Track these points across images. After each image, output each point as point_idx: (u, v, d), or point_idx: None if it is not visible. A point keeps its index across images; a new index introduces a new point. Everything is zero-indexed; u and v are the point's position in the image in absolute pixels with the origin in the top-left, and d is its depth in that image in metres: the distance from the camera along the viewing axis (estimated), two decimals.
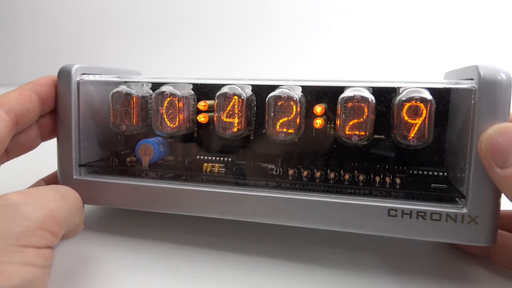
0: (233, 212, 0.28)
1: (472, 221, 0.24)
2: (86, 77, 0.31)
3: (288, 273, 0.27)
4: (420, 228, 0.25)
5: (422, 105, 0.26)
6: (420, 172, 0.29)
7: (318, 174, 0.29)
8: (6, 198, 0.20)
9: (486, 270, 0.27)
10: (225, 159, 0.31)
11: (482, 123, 0.23)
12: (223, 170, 0.31)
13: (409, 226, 0.25)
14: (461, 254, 0.29)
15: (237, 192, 0.28)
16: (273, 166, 0.31)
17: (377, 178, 0.28)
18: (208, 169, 0.31)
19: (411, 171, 0.29)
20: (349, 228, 0.26)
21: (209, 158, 0.31)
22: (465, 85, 0.24)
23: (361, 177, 0.28)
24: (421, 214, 0.24)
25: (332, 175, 0.29)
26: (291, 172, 0.30)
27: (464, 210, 0.24)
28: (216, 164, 0.31)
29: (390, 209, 0.25)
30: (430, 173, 0.28)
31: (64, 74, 0.30)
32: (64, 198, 0.23)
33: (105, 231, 0.32)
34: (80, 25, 0.96)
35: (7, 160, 0.30)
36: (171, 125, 0.31)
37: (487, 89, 0.23)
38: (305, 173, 0.29)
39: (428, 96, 0.26)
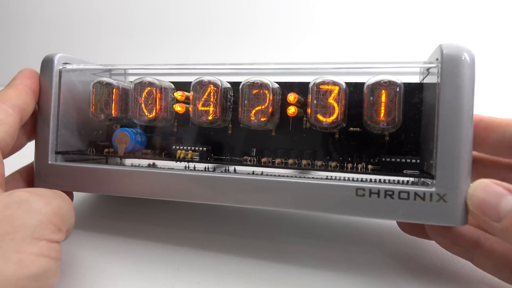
0: (203, 196, 0.28)
1: (440, 199, 0.23)
2: (69, 66, 0.32)
3: (289, 272, 0.27)
4: (389, 208, 0.24)
5: (389, 88, 0.26)
6: (393, 160, 0.28)
7: (291, 161, 0.29)
8: (17, 194, 0.22)
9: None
10: (202, 148, 0.31)
11: (446, 101, 0.23)
12: (197, 158, 0.31)
13: (378, 206, 0.24)
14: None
15: (208, 175, 0.28)
16: (247, 157, 0.31)
17: (349, 165, 0.28)
18: (182, 156, 0.31)
19: (384, 159, 0.29)
20: (317, 209, 0.25)
21: (186, 148, 0.31)
22: (428, 64, 0.24)
23: (333, 164, 0.28)
24: (389, 193, 0.24)
25: (304, 162, 0.29)
26: (264, 160, 0.30)
27: (433, 189, 0.23)
28: (190, 151, 0.30)
29: (358, 189, 0.24)
30: (404, 160, 0.28)
31: (47, 63, 0.31)
32: (62, 198, 0.24)
33: (105, 231, 0.32)
34: (78, 24, 0.97)
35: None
36: (148, 114, 0.31)
37: (450, 67, 0.23)
38: (278, 160, 0.29)
39: (393, 79, 0.26)
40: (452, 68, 0.23)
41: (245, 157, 0.32)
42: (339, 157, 0.29)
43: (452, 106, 0.23)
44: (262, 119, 0.29)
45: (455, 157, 0.23)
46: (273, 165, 0.29)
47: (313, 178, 0.27)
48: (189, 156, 0.30)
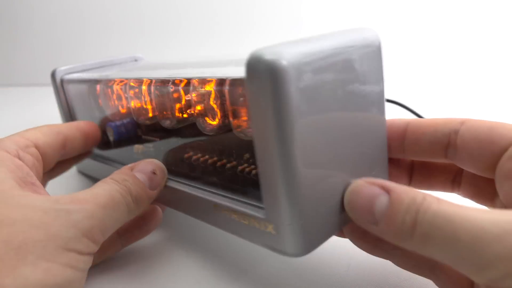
0: None
1: (271, 229, 0.20)
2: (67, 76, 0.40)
3: (288, 273, 0.27)
4: (238, 228, 0.23)
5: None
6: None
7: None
8: (59, 201, 0.21)
9: None
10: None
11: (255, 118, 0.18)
12: (148, 150, 0.34)
13: (230, 224, 0.23)
14: None
15: None
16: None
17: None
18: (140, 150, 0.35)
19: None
20: (196, 216, 0.26)
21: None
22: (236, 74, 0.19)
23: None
24: (235, 214, 0.23)
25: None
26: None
27: (262, 216, 0.21)
28: (141, 146, 0.35)
29: (214, 204, 0.24)
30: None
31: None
32: (117, 204, 0.23)
33: None
34: (79, 22, 0.95)
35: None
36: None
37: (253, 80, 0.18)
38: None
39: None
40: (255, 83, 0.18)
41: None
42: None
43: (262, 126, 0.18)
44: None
45: (279, 185, 0.19)
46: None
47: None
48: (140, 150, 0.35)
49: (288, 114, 0.17)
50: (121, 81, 0.33)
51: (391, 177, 0.25)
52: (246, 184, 0.24)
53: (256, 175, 0.21)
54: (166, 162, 0.29)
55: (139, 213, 0.26)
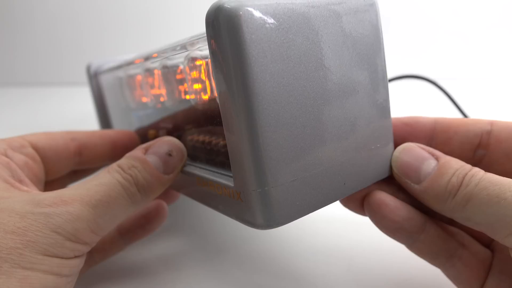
0: None
1: (238, 198, 0.19)
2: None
3: (289, 273, 0.27)
4: (215, 200, 0.22)
5: None
6: None
7: None
8: (41, 203, 0.19)
9: None
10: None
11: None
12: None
13: (209, 196, 0.23)
14: None
15: None
16: None
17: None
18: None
19: None
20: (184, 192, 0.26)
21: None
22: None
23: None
24: (212, 186, 0.22)
25: None
26: None
27: (231, 184, 0.19)
28: (154, 131, 0.35)
29: (197, 177, 0.23)
30: None
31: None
32: (115, 199, 0.21)
33: None
34: (82, 22, 0.93)
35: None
36: None
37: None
38: None
39: None
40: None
41: None
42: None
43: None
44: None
45: (246, 155, 0.18)
46: None
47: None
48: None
49: (248, 65, 0.16)
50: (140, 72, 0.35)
51: None
52: (224, 156, 0.23)
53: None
54: None
55: (150, 202, 0.24)
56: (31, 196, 0.20)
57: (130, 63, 0.36)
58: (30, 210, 0.19)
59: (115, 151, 0.31)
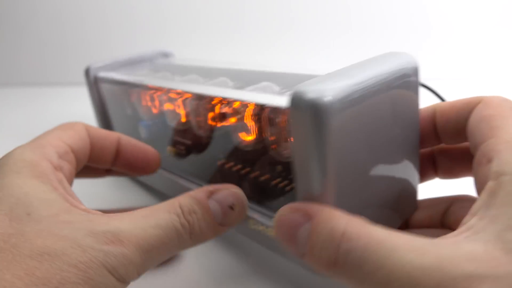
0: None
1: None
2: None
3: (288, 273, 0.27)
4: (267, 240, 0.24)
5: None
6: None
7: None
8: (99, 238, 0.19)
9: None
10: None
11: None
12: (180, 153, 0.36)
13: (259, 235, 0.25)
14: None
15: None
16: None
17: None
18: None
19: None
20: None
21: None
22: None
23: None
24: (263, 227, 0.24)
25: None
26: None
27: None
28: (173, 148, 0.36)
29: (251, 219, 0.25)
30: None
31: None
32: (166, 245, 0.21)
33: None
34: (83, 22, 0.93)
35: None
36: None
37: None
38: None
39: None
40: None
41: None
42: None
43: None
44: None
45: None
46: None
47: None
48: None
49: (328, 148, 0.18)
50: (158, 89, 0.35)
51: None
52: (278, 196, 0.25)
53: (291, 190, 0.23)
54: (197, 166, 0.30)
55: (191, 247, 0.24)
56: (90, 224, 0.20)
57: (147, 88, 0.36)
58: (90, 245, 0.19)
59: (141, 164, 0.30)
